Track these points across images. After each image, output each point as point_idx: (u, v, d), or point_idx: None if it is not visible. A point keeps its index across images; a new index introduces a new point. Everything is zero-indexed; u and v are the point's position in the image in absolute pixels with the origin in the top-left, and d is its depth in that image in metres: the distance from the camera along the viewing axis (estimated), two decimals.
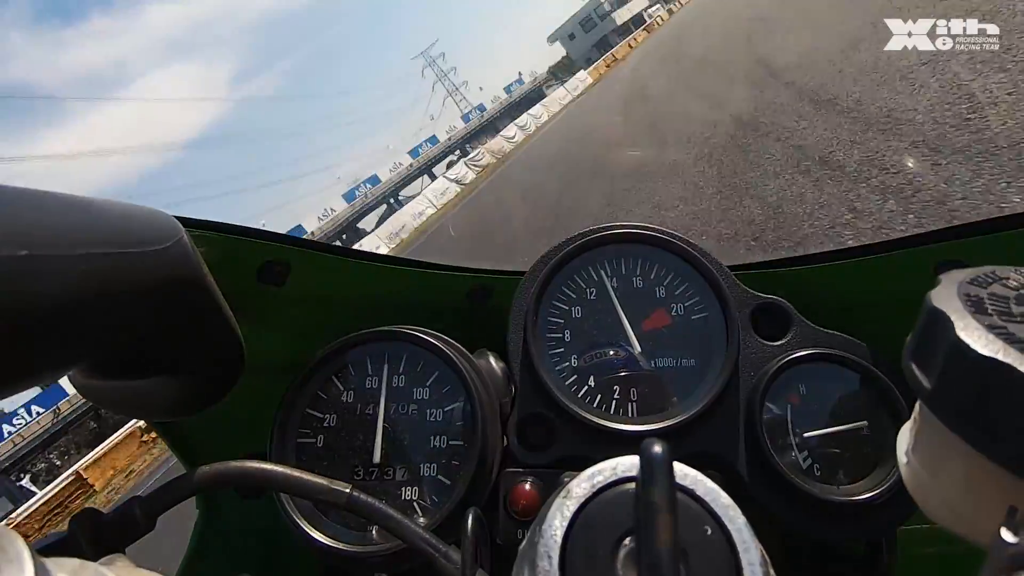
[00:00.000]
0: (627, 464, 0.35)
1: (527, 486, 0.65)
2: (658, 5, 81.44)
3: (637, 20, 79.20)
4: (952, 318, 0.23)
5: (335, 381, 0.74)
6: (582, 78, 46.20)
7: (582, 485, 0.35)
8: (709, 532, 0.33)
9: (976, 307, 0.23)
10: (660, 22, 57.82)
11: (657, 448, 0.32)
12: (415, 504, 0.67)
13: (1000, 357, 0.20)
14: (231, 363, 0.57)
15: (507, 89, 73.90)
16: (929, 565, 0.73)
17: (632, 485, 0.34)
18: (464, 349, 0.74)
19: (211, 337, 0.54)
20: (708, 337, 0.72)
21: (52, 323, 0.36)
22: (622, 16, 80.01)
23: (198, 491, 0.48)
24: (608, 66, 46.53)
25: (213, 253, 0.64)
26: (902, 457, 0.28)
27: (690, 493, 0.34)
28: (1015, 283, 0.25)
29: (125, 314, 0.44)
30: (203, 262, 0.52)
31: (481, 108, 72.57)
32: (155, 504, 0.47)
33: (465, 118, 69.99)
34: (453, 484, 0.67)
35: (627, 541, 0.32)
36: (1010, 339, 0.21)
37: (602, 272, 0.77)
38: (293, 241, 0.77)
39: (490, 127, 64.21)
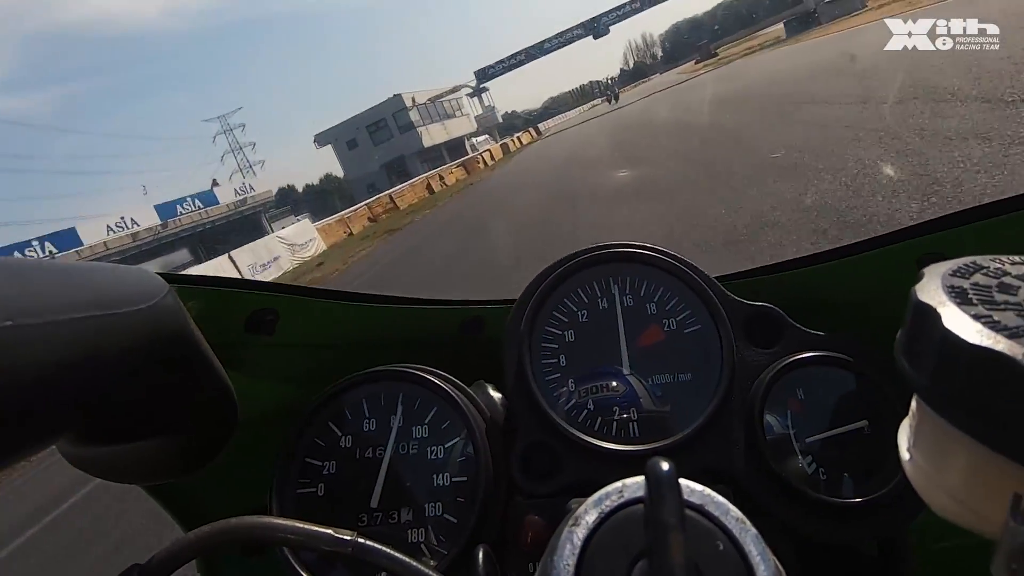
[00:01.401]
0: (633, 485, 0.36)
1: (535, 517, 0.64)
2: (486, 136, 65.03)
3: (456, 147, 59.36)
4: (939, 311, 0.23)
5: (332, 427, 0.72)
6: (305, 233, 21.41)
7: (590, 511, 0.35)
8: (721, 547, 0.33)
9: (961, 298, 0.24)
10: (488, 161, 38.87)
11: (663, 466, 0.32)
12: (422, 546, 0.66)
13: (989, 345, 0.21)
14: (224, 418, 0.56)
15: (164, 208, 36.86)
16: (944, 559, 0.73)
17: (640, 506, 0.34)
18: (460, 383, 0.73)
19: (202, 393, 0.53)
20: (703, 350, 0.72)
21: (39, 393, 0.36)
22: (435, 135, 57.35)
23: (199, 553, 0.46)
24: (375, 219, 24.65)
25: (199, 307, 0.64)
26: (904, 454, 0.28)
27: (699, 509, 0.35)
28: (995, 271, 0.26)
29: (113, 377, 0.43)
30: (190, 317, 0.52)
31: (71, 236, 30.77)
32: (156, 571, 0.45)
33: None
34: (460, 522, 0.66)
35: (641, 564, 0.32)
36: (996, 327, 0.21)
37: (593, 293, 0.77)
38: (280, 288, 0.77)
39: None
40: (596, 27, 62.85)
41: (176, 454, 0.53)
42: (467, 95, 66.82)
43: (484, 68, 66.77)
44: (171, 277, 0.59)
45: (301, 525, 0.46)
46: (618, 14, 61.67)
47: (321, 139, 61.25)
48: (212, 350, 0.54)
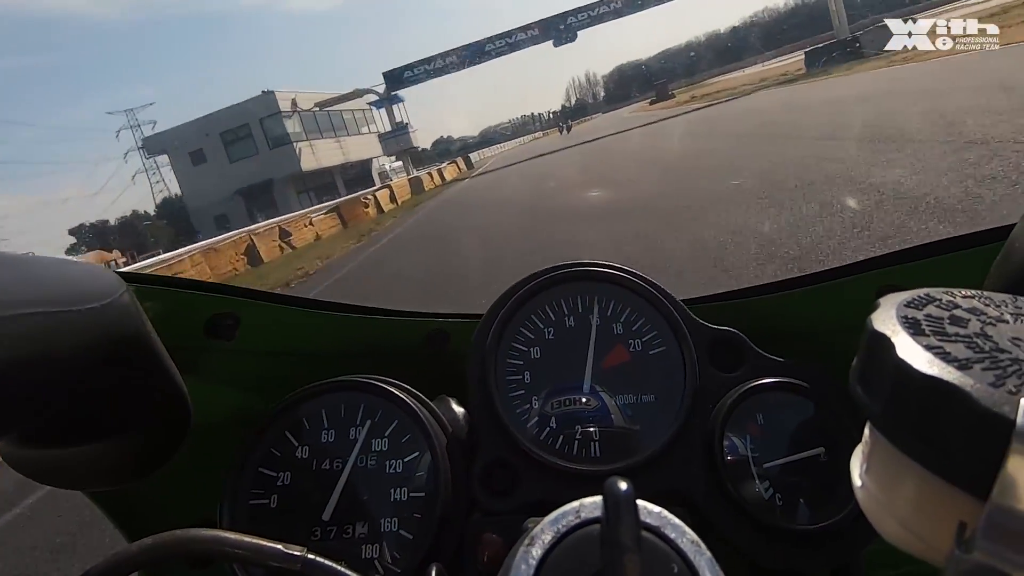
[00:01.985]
0: (591, 505, 0.36)
1: (493, 535, 0.63)
2: (400, 162, 44.36)
3: (358, 175, 42.85)
4: (893, 340, 0.24)
5: (289, 437, 0.71)
6: None
7: (546, 531, 0.35)
8: (676, 570, 0.33)
9: (914, 328, 0.24)
10: (385, 205, 23.87)
11: (620, 486, 0.32)
12: (376, 562, 0.64)
13: (940, 375, 0.21)
14: (177, 424, 0.55)
15: None
16: None
17: (597, 526, 0.34)
18: (423, 396, 0.73)
19: (155, 397, 0.52)
20: (667, 372, 0.73)
21: None
22: (324, 155, 40.10)
23: (141, 566, 0.44)
24: None
25: (157, 308, 0.62)
26: (856, 481, 0.28)
27: (655, 531, 0.35)
28: (947, 303, 0.27)
29: (62, 377, 0.41)
30: (147, 318, 0.51)
31: None
32: None
33: None
34: (416, 538, 0.65)
35: None
36: (947, 358, 0.22)
37: (560, 311, 0.77)
38: (243, 292, 0.76)
39: None
40: (560, 30, 46.14)
41: (123, 459, 0.51)
42: (372, 104, 45.75)
43: (397, 69, 45.13)
44: (129, 276, 0.59)
45: (249, 539, 0.45)
46: (590, 15, 46.31)
47: (153, 144, 41.65)
48: (168, 353, 0.53)
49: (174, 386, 0.53)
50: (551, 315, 0.77)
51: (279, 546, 0.44)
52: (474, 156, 52.61)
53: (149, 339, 0.50)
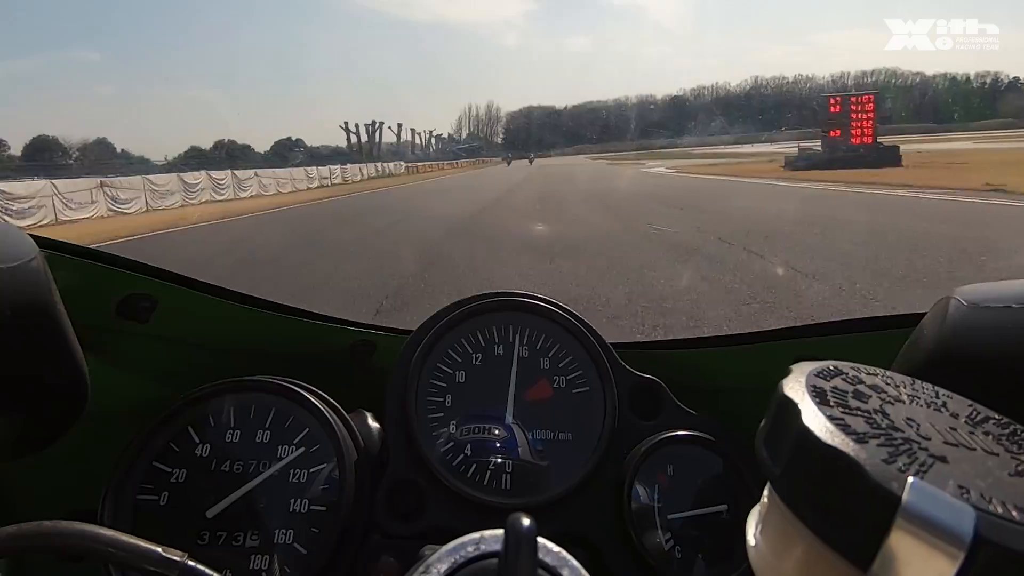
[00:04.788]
0: (491, 538, 0.35)
1: (390, 559, 0.61)
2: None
3: None
4: (800, 407, 0.25)
5: (191, 432, 0.67)
6: None
7: (443, 560, 0.34)
8: None
9: (821, 398, 0.25)
10: None
11: (523, 523, 0.32)
12: (263, 575, 0.61)
13: (838, 446, 0.22)
14: (69, 404, 0.51)
15: None
16: None
17: (495, 560, 0.34)
18: (339, 407, 0.70)
19: (50, 373, 0.49)
20: (587, 411, 0.73)
21: None
22: None
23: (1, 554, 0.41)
24: None
25: (70, 280, 0.59)
26: (750, 540, 0.29)
27: (552, 571, 0.34)
28: (853, 378, 0.28)
29: None
30: (55, 288, 0.48)
31: None
32: None
33: None
34: (310, 554, 0.62)
35: None
36: (847, 430, 0.23)
37: (490, 338, 0.77)
38: (165, 275, 0.72)
39: None
40: None
41: (4, 433, 0.48)
42: None
43: None
44: (44, 242, 0.55)
45: (125, 538, 0.41)
46: None
47: None
48: (73, 328, 0.50)
49: (73, 364, 0.50)
50: (481, 341, 0.77)
51: (158, 548, 0.41)
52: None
53: (54, 310, 0.47)
